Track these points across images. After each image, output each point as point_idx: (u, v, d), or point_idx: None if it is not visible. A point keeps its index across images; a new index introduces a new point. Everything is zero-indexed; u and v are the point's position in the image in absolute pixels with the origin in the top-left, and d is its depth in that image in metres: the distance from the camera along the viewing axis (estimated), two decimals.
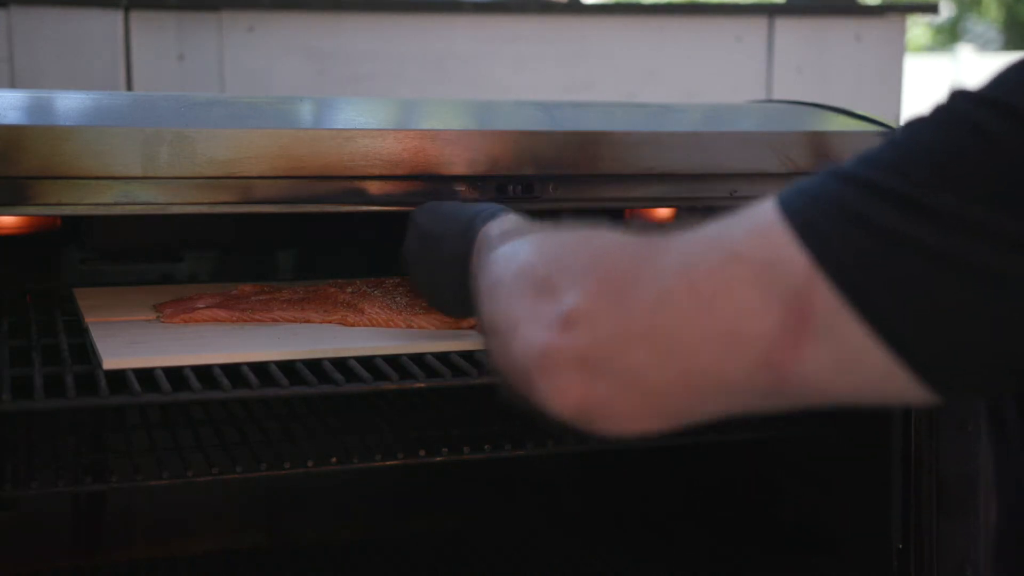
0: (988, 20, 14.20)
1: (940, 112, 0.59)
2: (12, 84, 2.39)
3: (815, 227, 0.58)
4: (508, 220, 0.96)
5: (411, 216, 1.14)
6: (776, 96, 2.83)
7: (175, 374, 1.05)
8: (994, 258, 0.54)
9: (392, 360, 1.12)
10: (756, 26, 2.88)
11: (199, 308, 1.23)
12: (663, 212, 1.69)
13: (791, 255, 0.58)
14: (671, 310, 0.60)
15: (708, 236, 0.62)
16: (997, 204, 0.54)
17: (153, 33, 2.50)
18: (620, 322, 0.62)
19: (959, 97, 0.58)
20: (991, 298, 0.54)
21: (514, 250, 0.77)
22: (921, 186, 0.55)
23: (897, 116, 2.85)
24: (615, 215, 1.60)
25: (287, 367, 1.08)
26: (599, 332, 0.62)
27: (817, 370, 0.59)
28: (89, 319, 1.20)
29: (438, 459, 1.23)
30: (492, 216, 0.98)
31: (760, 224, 0.60)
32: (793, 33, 2.90)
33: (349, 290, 1.29)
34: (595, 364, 0.62)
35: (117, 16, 2.46)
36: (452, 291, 1.02)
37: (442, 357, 1.13)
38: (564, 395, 0.64)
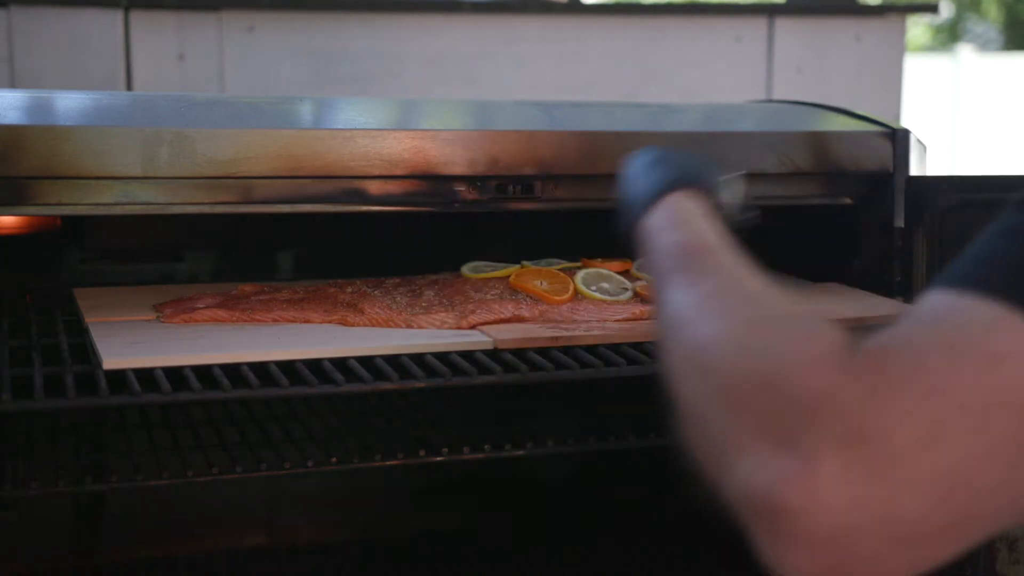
0: (988, 20, 14.20)
1: None
2: (12, 84, 2.38)
3: None
4: (677, 217, 0.83)
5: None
6: (776, 96, 2.83)
7: (175, 374, 1.05)
8: None
9: (392, 360, 1.12)
10: (756, 26, 2.88)
11: (199, 308, 1.23)
12: None
13: None
14: (948, 447, 0.53)
15: (950, 350, 0.55)
16: None
17: (153, 33, 2.50)
18: (883, 476, 0.53)
19: None
20: None
21: (700, 320, 0.66)
22: None
23: (897, 116, 2.85)
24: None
25: (287, 367, 1.08)
26: (857, 494, 0.53)
27: None
28: (89, 319, 1.20)
29: (438, 459, 1.23)
30: (652, 199, 0.86)
31: (996, 320, 0.55)
32: (793, 33, 2.90)
33: (349, 290, 1.29)
34: (854, 530, 0.53)
35: (117, 16, 2.46)
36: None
37: (442, 357, 1.13)
38: (811, 563, 0.55)
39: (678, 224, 0.81)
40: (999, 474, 0.53)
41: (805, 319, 0.61)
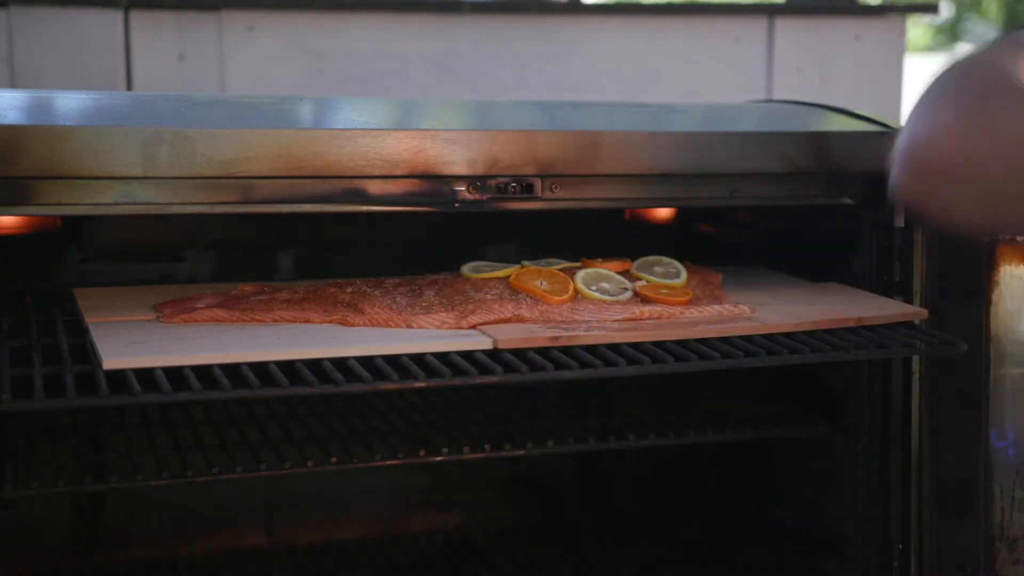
0: (988, 20, 14.20)
1: None
2: (12, 84, 2.39)
3: None
4: None
5: None
6: (776, 96, 2.83)
7: (175, 374, 1.05)
8: None
9: (392, 360, 1.12)
10: (756, 26, 2.88)
11: (199, 308, 1.23)
12: (663, 212, 1.69)
13: None
14: None
15: None
16: None
17: (153, 33, 2.50)
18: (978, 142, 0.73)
19: None
20: None
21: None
22: None
23: (897, 116, 2.85)
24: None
25: (287, 367, 1.08)
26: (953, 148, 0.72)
27: None
28: (89, 319, 1.20)
29: (438, 459, 1.23)
30: None
31: None
32: (793, 33, 2.90)
33: (349, 290, 1.29)
34: (943, 168, 0.73)
35: (117, 16, 2.46)
36: None
37: (442, 357, 1.13)
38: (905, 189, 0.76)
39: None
40: None
41: None
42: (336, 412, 1.46)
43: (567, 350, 1.15)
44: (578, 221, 1.43)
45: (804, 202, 1.35)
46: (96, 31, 2.44)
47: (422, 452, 1.22)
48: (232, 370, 1.06)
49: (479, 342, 1.15)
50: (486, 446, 1.25)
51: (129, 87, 2.48)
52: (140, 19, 2.48)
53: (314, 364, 1.10)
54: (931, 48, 13.42)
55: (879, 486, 1.37)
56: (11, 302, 1.35)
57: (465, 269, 1.34)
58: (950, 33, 13.90)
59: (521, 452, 1.27)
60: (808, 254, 1.49)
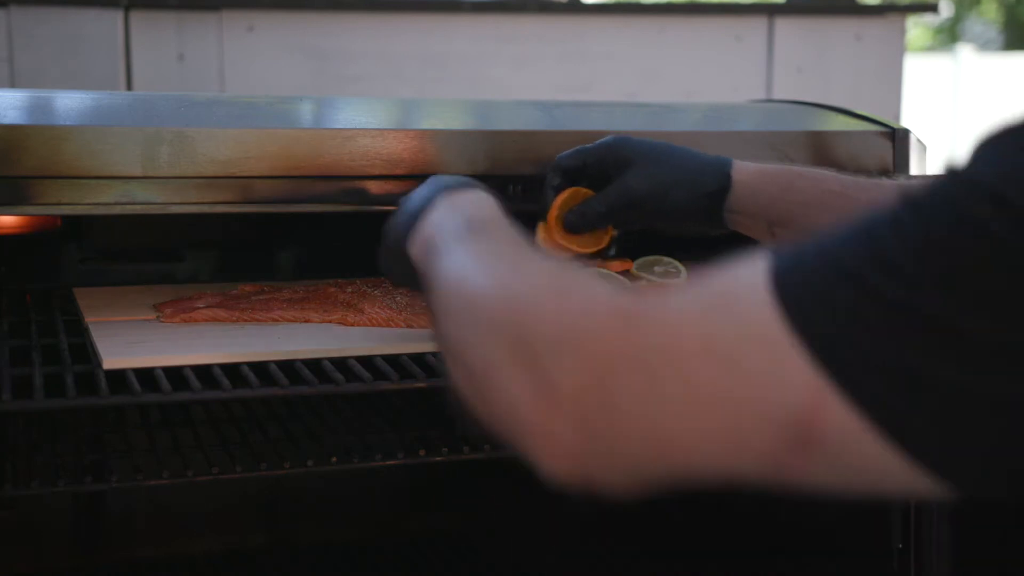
0: (988, 20, 14.21)
1: (941, 201, 0.53)
2: (12, 84, 2.39)
3: (821, 337, 0.53)
4: (455, 208, 0.86)
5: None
6: (776, 96, 2.84)
7: (175, 374, 1.05)
8: (1008, 383, 0.50)
9: (392, 360, 1.12)
10: (756, 26, 2.88)
11: (199, 308, 1.23)
12: None
13: (794, 368, 0.53)
14: (665, 413, 0.56)
15: (698, 328, 0.56)
16: (1007, 317, 0.50)
17: (153, 33, 2.50)
18: (610, 414, 0.57)
19: (959, 185, 0.54)
20: (1008, 416, 0.51)
21: (475, 272, 0.71)
22: (928, 298, 0.51)
23: (897, 116, 2.85)
24: None
25: (287, 367, 1.08)
26: (590, 418, 0.58)
27: (826, 476, 0.56)
28: (89, 319, 1.20)
29: (438, 459, 1.23)
30: (430, 202, 0.90)
31: (756, 320, 0.54)
32: (793, 33, 2.90)
33: (349, 290, 1.29)
34: (587, 448, 0.59)
35: (117, 16, 2.46)
36: (401, 271, 0.94)
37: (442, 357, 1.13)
38: (555, 469, 0.61)
39: (458, 208, 0.85)
40: (712, 458, 0.57)
41: (580, 272, 0.65)
42: (336, 412, 1.46)
43: None
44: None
45: None
46: (96, 31, 2.44)
47: (422, 452, 1.22)
48: (232, 370, 1.07)
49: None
50: (486, 446, 1.25)
51: (129, 87, 2.48)
52: (140, 19, 2.48)
53: (314, 364, 1.10)
54: (931, 48, 13.43)
55: None
56: (11, 302, 1.35)
57: None
58: (950, 33, 13.92)
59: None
60: None
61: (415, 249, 0.88)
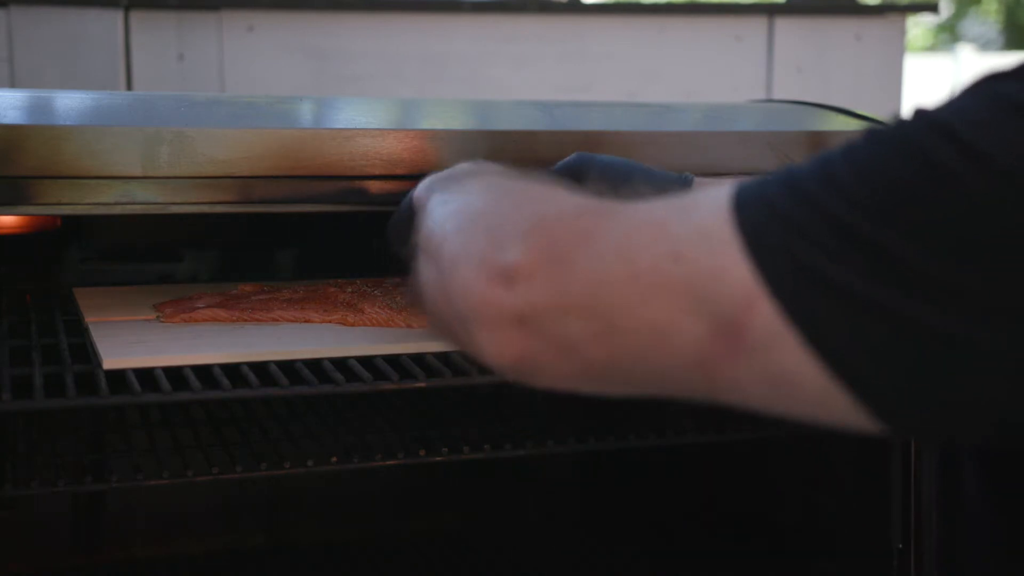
0: (988, 20, 14.21)
1: (898, 133, 0.56)
2: (12, 84, 2.39)
3: (764, 242, 0.56)
4: (454, 168, 0.96)
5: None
6: (776, 96, 2.84)
7: (175, 374, 1.05)
8: (932, 312, 0.52)
9: (392, 360, 1.12)
10: (756, 26, 2.88)
11: (199, 308, 1.23)
12: None
13: (735, 266, 0.56)
14: (608, 292, 0.60)
15: (656, 223, 0.60)
16: (938, 249, 0.52)
17: (153, 33, 2.50)
18: (558, 290, 0.61)
19: (918, 121, 0.56)
20: (924, 345, 0.53)
21: (463, 189, 0.77)
22: (868, 219, 0.54)
23: (897, 116, 2.85)
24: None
25: (287, 367, 1.08)
26: (538, 295, 0.61)
27: (750, 383, 0.58)
28: (89, 319, 1.20)
29: (438, 459, 1.23)
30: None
31: (709, 225, 0.58)
32: (793, 33, 2.90)
33: (349, 290, 1.29)
34: (532, 325, 0.62)
35: (117, 16, 2.46)
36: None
37: (442, 357, 1.13)
38: (501, 348, 0.63)
39: (465, 169, 0.93)
40: (647, 348, 0.59)
41: (565, 186, 0.69)
42: (336, 412, 1.46)
43: None
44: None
45: None
46: (96, 31, 2.44)
47: (422, 452, 1.22)
48: (232, 370, 1.07)
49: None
50: (486, 446, 1.25)
51: (129, 87, 2.48)
52: (140, 19, 2.48)
53: (314, 364, 1.10)
54: (931, 48, 13.43)
55: (879, 486, 1.37)
56: (11, 302, 1.35)
57: None
58: (950, 33, 13.92)
59: (521, 452, 1.27)
60: None
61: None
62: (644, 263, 0.59)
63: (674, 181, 1.15)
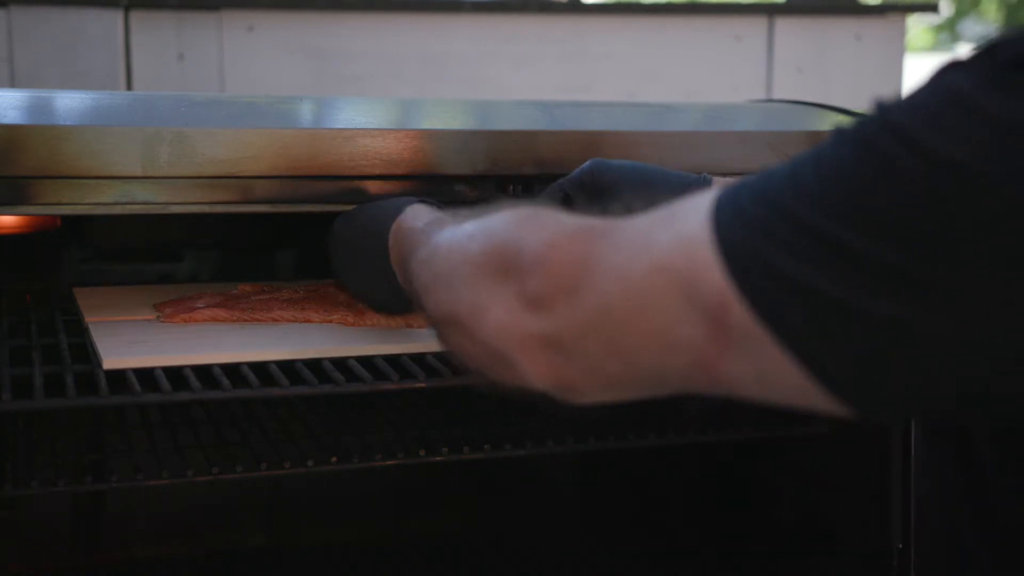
0: (988, 20, 14.21)
1: (857, 132, 0.58)
2: (12, 84, 2.39)
3: (736, 244, 0.59)
4: (421, 211, 1.01)
5: (332, 227, 1.18)
6: (776, 96, 2.84)
7: (175, 374, 1.05)
8: (891, 304, 0.54)
9: (392, 360, 1.12)
10: (756, 26, 2.88)
11: (199, 308, 1.23)
12: None
13: (710, 270, 0.59)
14: (611, 313, 0.63)
15: (638, 239, 0.63)
16: (892, 243, 0.54)
17: (153, 33, 2.50)
18: (574, 314, 0.64)
19: (875, 118, 0.58)
20: (883, 335, 0.55)
21: (457, 238, 0.78)
22: (829, 218, 0.56)
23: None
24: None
25: (287, 367, 1.08)
26: (561, 318, 0.65)
27: (741, 379, 0.61)
28: (89, 319, 1.20)
29: (438, 459, 1.23)
30: (399, 210, 1.03)
31: (690, 231, 0.61)
32: (793, 33, 2.90)
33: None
34: (561, 347, 0.66)
35: (117, 16, 2.46)
36: (383, 289, 1.08)
37: (442, 357, 1.13)
38: (543, 371, 0.67)
39: (438, 215, 0.96)
40: (653, 358, 0.63)
41: (545, 208, 0.72)
42: (336, 412, 1.46)
43: None
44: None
45: None
46: (96, 31, 2.44)
47: (422, 452, 1.22)
48: (232, 370, 1.07)
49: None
50: (486, 446, 1.25)
51: (129, 87, 2.48)
52: (140, 19, 2.48)
53: (314, 364, 1.10)
54: (931, 48, 13.44)
55: (879, 486, 1.37)
56: (11, 302, 1.35)
57: None
58: (950, 33, 13.92)
59: (521, 452, 1.27)
60: None
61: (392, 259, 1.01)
62: (635, 277, 0.62)
63: (693, 182, 1.15)
